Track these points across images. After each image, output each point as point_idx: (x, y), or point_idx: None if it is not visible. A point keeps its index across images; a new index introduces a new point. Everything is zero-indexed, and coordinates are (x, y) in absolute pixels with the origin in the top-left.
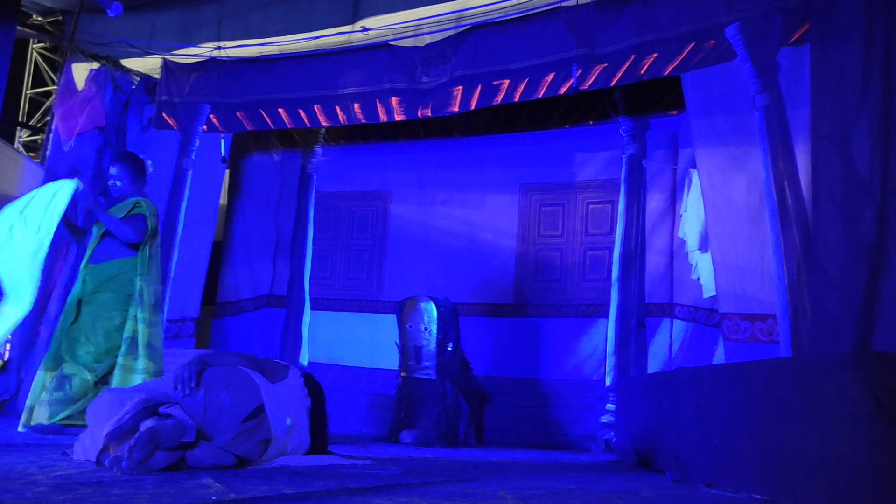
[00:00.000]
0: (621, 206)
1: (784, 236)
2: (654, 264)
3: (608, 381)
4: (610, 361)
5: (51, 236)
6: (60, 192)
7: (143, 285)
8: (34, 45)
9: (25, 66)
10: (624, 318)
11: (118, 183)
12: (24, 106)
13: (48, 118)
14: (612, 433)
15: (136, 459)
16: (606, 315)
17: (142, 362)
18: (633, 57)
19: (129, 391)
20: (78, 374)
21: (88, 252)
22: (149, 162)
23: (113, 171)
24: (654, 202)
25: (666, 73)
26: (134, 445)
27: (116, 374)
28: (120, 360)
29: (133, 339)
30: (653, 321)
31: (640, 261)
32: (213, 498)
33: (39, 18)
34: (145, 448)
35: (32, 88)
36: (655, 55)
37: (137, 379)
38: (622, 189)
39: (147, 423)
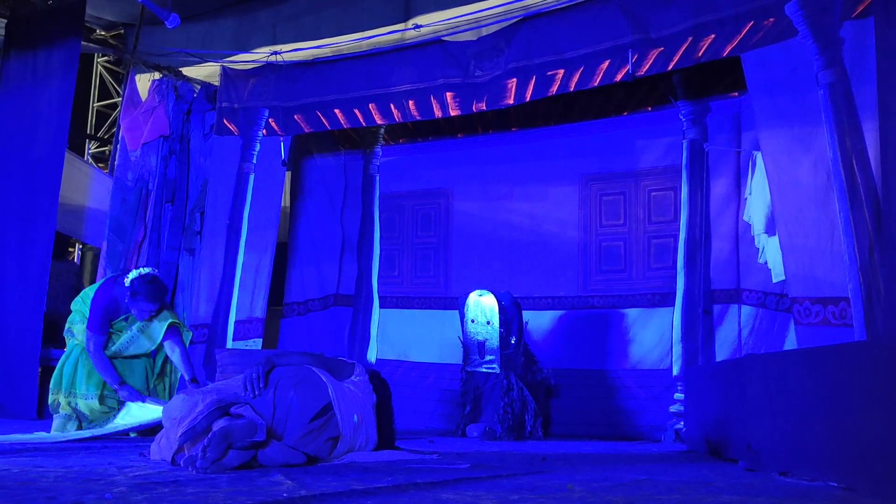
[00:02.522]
0: (684, 193)
1: (854, 216)
2: (719, 250)
3: (676, 370)
4: (677, 350)
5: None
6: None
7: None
8: (98, 59)
9: (91, 79)
10: (690, 306)
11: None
12: (91, 119)
13: (115, 129)
14: (682, 423)
15: (210, 459)
16: (672, 303)
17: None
18: (690, 39)
19: (202, 393)
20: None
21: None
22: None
23: (151, 307)
24: (718, 187)
25: (725, 55)
26: (207, 445)
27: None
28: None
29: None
30: (720, 308)
31: (706, 247)
32: (285, 495)
33: (103, 33)
34: (218, 448)
35: (99, 101)
36: (713, 36)
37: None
38: (684, 175)
39: (219, 424)
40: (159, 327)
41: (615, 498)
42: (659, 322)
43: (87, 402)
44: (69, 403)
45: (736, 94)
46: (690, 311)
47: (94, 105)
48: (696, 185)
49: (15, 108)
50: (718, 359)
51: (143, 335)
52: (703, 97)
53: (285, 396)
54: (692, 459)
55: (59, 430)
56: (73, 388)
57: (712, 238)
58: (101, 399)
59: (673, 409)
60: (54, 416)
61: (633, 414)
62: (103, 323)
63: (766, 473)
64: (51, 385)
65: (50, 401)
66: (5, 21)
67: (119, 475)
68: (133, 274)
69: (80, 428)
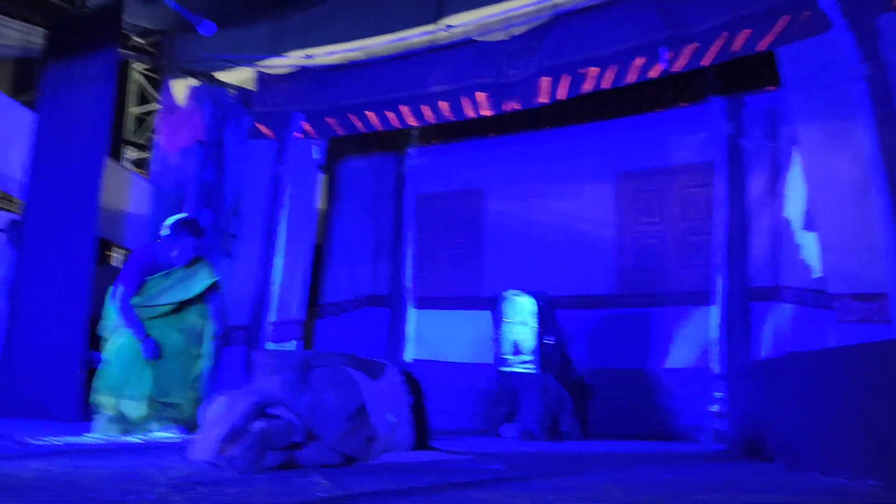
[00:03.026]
0: (720, 189)
1: (894, 210)
2: (757, 247)
3: (715, 369)
4: (716, 349)
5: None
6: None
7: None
8: (135, 65)
9: (128, 85)
10: (729, 304)
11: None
12: (129, 125)
13: (153, 135)
14: (721, 422)
15: (249, 459)
16: (710, 302)
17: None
18: (724, 35)
19: (241, 394)
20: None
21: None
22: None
23: (195, 244)
24: (755, 183)
25: (760, 49)
26: (246, 446)
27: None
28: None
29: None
30: (759, 305)
31: (744, 244)
32: (323, 494)
33: (139, 40)
34: (257, 448)
35: (136, 107)
36: (749, 31)
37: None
38: (720, 171)
39: (258, 425)
40: (201, 282)
41: (650, 497)
42: (697, 321)
43: (136, 404)
44: (115, 406)
45: (772, 88)
46: (729, 310)
47: (132, 111)
48: (732, 181)
49: (55, 116)
50: (758, 357)
51: (181, 284)
52: (738, 92)
53: (322, 398)
54: (731, 459)
55: (102, 432)
56: (122, 391)
57: (750, 235)
58: (150, 402)
59: (712, 408)
60: (96, 416)
61: (671, 413)
62: (138, 279)
63: (805, 472)
64: (96, 386)
65: (94, 401)
66: (44, 30)
67: (160, 475)
68: (170, 220)
69: (123, 431)
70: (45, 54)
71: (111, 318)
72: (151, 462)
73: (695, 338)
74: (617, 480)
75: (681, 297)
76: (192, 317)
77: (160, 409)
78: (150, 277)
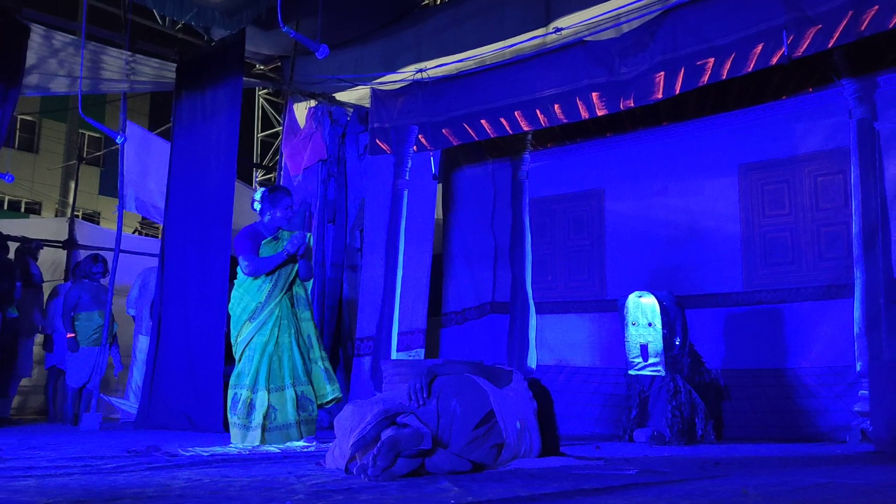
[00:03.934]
0: (854, 176)
1: None
2: None
3: (858, 367)
4: (859, 345)
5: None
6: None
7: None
8: (259, 92)
9: (254, 112)
10: (871, 297)
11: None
12: (256, 148)
13: (278, 157)
14: (868, 422)
15: (381, 467)
16: (850, 295)
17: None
18: (850, 13)
19: (369, 403)
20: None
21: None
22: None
23: (289, 201)
24: (893, 167)
25: (891, 26)
26: (377, 454)
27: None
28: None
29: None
30: None
31: (884, 233)
32: (453, 501)
33: (261, 67)
34: (387, 456)
35: (262, 132)
36: (877, 7)
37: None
38: (853, 157)
39: (387, 433)
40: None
41: (795, 503)
42: (836, 316)
43: (282, 394)
44: (265, 401)
45: None
46: (872, 303)
47: (258, 135)
48: (867, 166)
49: (188, 145)
50: None
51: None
52: (869, 73)
53: (448, 405)
54: (881, 461)
55: (242, 442)
56: (269, 383)
57: (891, 222)
58: (293, 385)
59: (857, 407)
60: (234, 426)
61: (812, 414)
62: (253, 247)
63: None
64: (241, 382)
65: (231, 395)
66: (175, 66)
67: (298, 483)
68: (258, 194)
69: (262, 440)
70: (177, 87)
71: (236, 308)
72: (289, 471)
73: (836, 334)
74: (758, 485)
75: (818, 291)
76: (297, 287)
77: (301, 408)
78: (262, 242)
